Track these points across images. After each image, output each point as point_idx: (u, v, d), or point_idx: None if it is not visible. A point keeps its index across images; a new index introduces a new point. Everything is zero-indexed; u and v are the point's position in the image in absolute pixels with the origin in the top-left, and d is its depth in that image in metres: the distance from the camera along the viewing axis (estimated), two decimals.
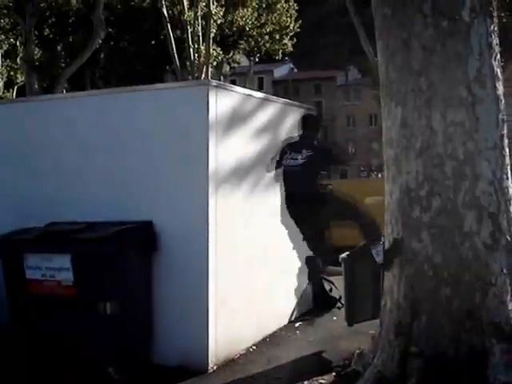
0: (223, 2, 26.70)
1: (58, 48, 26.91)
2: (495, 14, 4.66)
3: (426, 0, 4.48)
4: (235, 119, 5.81)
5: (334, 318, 7.05)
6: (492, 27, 4.56)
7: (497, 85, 4.54)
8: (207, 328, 5.41)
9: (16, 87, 28.84)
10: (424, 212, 4.53)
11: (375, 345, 4.93)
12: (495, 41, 4.58)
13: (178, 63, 23.82)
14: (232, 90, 5.78)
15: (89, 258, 5.16)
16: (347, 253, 6.02)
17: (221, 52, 27.07)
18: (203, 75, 23.06)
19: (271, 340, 6.30)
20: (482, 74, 4.46)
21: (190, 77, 23.67)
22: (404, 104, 4.64)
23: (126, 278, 5.27)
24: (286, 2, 29.90)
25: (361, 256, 6.03)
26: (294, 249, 7.02)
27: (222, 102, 5.60)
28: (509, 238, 4.50)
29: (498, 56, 4.61)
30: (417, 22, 4.53)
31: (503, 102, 4.61)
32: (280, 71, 67.82)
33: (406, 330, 4.57)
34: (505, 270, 4.45)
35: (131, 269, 5.33)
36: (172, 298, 5.49)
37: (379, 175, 41.95)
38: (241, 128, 5.95)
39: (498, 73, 4.56)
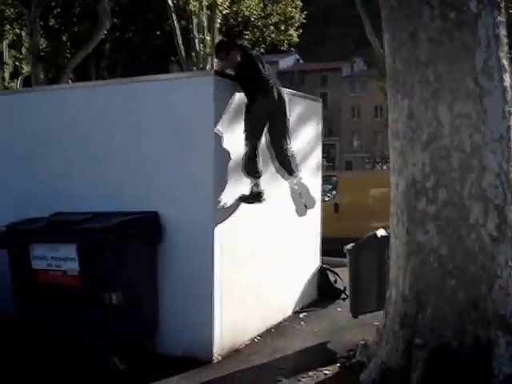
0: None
1: (64, 38, 26.84)
2: (503, 5, 4.64)
3: None
4: (240, 109, 5.79)
5: (339, 309, 7.07)
6: (499, 18, 4.54)
7: (504, 76, 4.52)
8: (212, 318, 5.43)
9: (21, 77, 28.84)
10: (430, 204, 4.53)
11: (380, 336, 4.95)
12: (503, 32, 4.56)
13: (183, 54, 23.72)
14: None
15: (94, 248, 5.17)
16: (352, 244, 6.03)
17: None
18: (208, 66, 22.99)
19: (276, 331, 6.32)
20: (489, 66, 4.45)
21: (195, 67, 23.60)
22: (411, 96, 4.63)
23: (132, 268, 5.28)
24: None
25: (366, 247, 6.05)
26: (299, 239, 7.03)
27: (228, 92, 5.60)
28: None
29: (506, 48, 4.59)
30: (424, 13, 4.52)
31: (510, 93, 4.60)
32: (285, 62, 67.51)
33: (411, 322, 4.58)
34: (510, 262, 4.46)
35: (136, 259, 5.33)
36: (177, 288, 5.50)
37: (384, 167, 42.00)
38: None
39: (505, 64, 4.55)
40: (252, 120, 5.62)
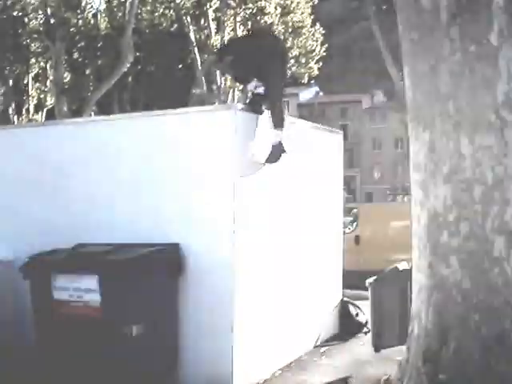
0: (249, 26, 26.96)
1: (87, 71, 27.33)
2: None
3: (453, 24, 4.48)
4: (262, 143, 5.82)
5: (361, 343, 6.99)
6: None
7: None
8: (232, 352, 5.39)
9: (45, 110, 29.30)
10: (452, 237, 4.49)
11: (402, 371, 4.87)
12: None
13: (205, 87, 24.04)
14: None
15: (116, 280, 5.17)
16: (374, 277, 5.99)
17: None
18: (229, 99, 23.25)
19: (297, 365, 6.25)
20: (510, 98, 4.42)
21: (216, 100, 23.85)
22: (432, 128, 4.62)
23: (153, 300, 5.27)
24: (311, 26, 30.14)
25: (388, 281, 6.01)
26: (320, 272, 7.00)
27: (249, 125, 5.64)
28: None
29: None
30: (444, 46, 4.53)
31: None
32: (305, 94, 67.93)
33: (434, 357, 4.51)
34: None
35: (158, 291, 5.34)
36: (198, 321, 5.49)
37: (405, 198, 41.77)
38: None
39: None
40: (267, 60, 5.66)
